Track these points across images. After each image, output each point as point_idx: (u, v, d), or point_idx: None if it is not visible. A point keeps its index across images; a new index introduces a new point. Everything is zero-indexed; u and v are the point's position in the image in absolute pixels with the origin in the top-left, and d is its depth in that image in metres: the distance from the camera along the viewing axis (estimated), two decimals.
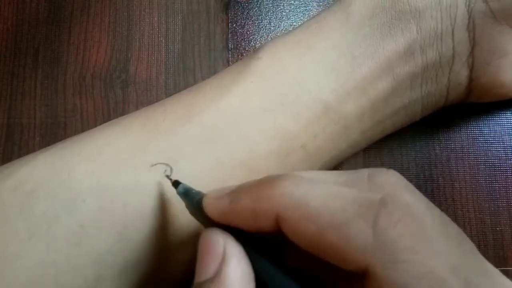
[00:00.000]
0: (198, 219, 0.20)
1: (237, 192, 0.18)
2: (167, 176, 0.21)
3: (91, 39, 0.31)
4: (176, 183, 0.20)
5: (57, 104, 0.30)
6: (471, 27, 0.24)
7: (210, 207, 0.18)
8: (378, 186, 0.17)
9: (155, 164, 0.22)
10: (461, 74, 0.24)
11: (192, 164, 0.22)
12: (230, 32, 0.31)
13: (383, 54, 0.23)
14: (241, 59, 0.30)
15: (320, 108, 0.23)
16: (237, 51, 0.31)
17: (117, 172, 0.22)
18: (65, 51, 0.31)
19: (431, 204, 0.17)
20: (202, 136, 0.23)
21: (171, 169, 0.22)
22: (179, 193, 0.20)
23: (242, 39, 0.31)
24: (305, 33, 0.24)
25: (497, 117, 0.29)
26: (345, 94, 0.23)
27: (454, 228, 0.16)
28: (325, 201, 0.16)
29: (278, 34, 0.31)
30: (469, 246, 0.16)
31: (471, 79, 0.25)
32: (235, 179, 0.22)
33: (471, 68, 0.24)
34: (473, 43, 0.24)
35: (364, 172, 0.17)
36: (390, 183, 0.17)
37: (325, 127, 0.23)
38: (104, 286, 0.21)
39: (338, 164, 0.28)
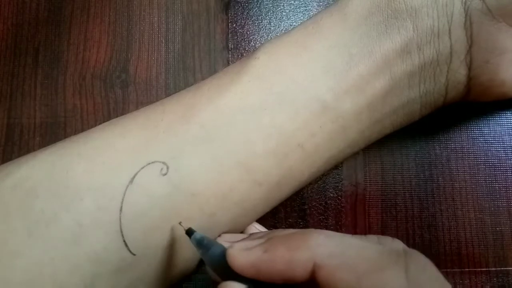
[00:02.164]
0: (215, 270, 0.20)
1: (270, 242, 0.19)
2: (180, 223, 0.21)
3: (91, 39, 0.31)
4: (189, 232, 0.21)
5: (57, 104, 0.30)
6: (468, 25, 0.24)
7: (238, 259, 0.19)
8: (393, 243, 0.20)
9: (152, 163, 0.22)
10: (460, 72, 0.24)
11: (190, 164, 0.22)
12: (230, 32, 0.31)
13: (380, 52, 0.23)
14: (241, 59, 0.30)
15: (318, 107, 0.23)
16: (237, 51, 0.31)
17: (115, 172, 0.22)
18: (65, 51, 0.31)
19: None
20: (200, 136, 0.23)
21: (168, 167, 0.22)
22: (194, 242, 0.20)
23: (242, 39, 0.31)
24: (302, 33, 0.25)
25: (497, 117, 0.29)
26: (342, 93, 0.23)
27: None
28: (359, 251, 0.18)
29: (278, 34, 0.31)
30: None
31: (469, 78, 0.25)
32: (232, 179, 0.23)
33: (470, 67, 0.24)
34: (470, 41, 0.24)
35: (373, 237, 0.20)
36: (399, 243, 0.20)
37: (322, 126, 0.23)
38: (101, 284, 0.21)
39: (338, 165, 0.28)
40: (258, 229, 0.25)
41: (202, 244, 0.20)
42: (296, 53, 0.24)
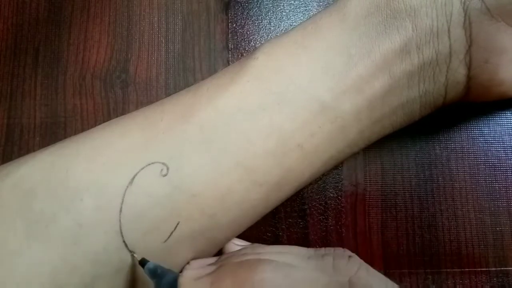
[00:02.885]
0: None
1: (218, 275, 0.19)
2: (131, 253, 0.21)
3: (91, 39, 0.31)
4: (142, 262, 0.21)
5: (57, 104, 0.30)
6: (467, 24, 0.24)
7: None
8: (343, 270, 0.20)
9: (152, 163, 0.22)
10: (459, 72, 0.24)
11: (189, 164, 0.22)
12: (230, 32, 0.31)
13: (379, 52, 0.23)
14: (240, 59, 0.30)
15: (317, 107, 0.23)
16: (237, 51, 0.31)
17: (114, 172, 0.22)
18: (65, 51, 0.31)
19: (389, 281, 0.21)
20: (199, 136, 0.23)
21: (168, 168, 0.22)
22: (147, 272, 0.20)
23: (242, 39, 0.31)
24: (301, 34, 0.25)
25: (497, 117, 0.29)
26: (341, 92, 0.23)
27: None
28: (306, 275, 0.19)
29: (278, 34, 0.31)
30: None
31: (469, 78, 0.25)
32: (232, 179, 0.23)
33: (469, 66, 0.24)
34: (470, 41, 0.24)
35: (329, 259, 0.21)
36: (353, 268, 0.20)
37: (321, 126, 0.23)
38: (101, 284, 0.21)
39: (338, 165, 0.28)
40: (239, 245, 0.25)
41: (156, 273, 0.20)
42: (295, 53, 0.24)
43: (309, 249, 0.23)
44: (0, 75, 0.30)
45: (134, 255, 0.21)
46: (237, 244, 0.25)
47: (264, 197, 0.24)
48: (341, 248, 0.22)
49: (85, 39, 0.31)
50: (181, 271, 0.21)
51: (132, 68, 0.31)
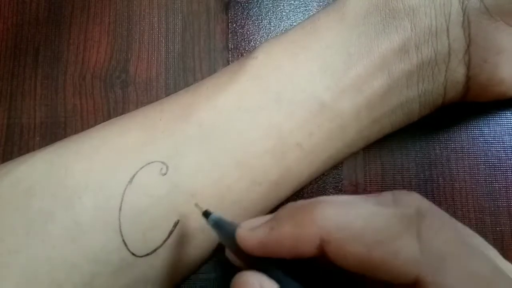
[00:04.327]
0: (232, 251, 0.20)
1: (276, 219, 0.18)
2: (197, 205, 0.21)
3: (91, 39, 0.31)
4: (206, 213, 0.20)
5: (57, 104, 0.30)
6: (466, 24, 0.24)
7: (246, 239, 0.19)
8: (406, 203, 0.18)
9: (151, 163, 0.22)
10: (458, 72, 0.24)
11: (189, 163, 0.22)
12: (230, 32, 0.31)
13: (378, 52, 0.23)
14: (239, 59, 0.30)
15: (315, 106, 0.23)
16: (237, 51, 0.31)
17: (113, 171, 0.22)
18: (65, 51, 0.31)
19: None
20: (198, 135, 0.23)
21: (167, 167, 0.22)
22: (211, 224, 0.20)
23: (242, 39, 0.31)
24: (300, 33, 0.25)
25: (497, 117, 0.29)
26: (340, 92, 0.23)
27: (473, 231, 0.18)
28: (368, 221, 0.17)
29: (278, 34, 0.31)
30: (493, 251, 0.18)
31: (468, 77, 0.25)
32: (230, 179, 0.23)
33: (468, 66, 0.24)
34: (468, 40, 0.24)
35: (388, 195, 0.18)
36: (416, 199, 0.18)
37: (320, 125, 0.23)
38: (100, 283, 0.21)
39: (337, 165, 0.28)
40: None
41: (218, 225, 0.20)
42: (294, 52, 0.24)
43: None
44: (0, 75, 0.30)
45: (198, 204, 0.20)
46: None
47: (264, 197, 0.24)
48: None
49: (85, 39, 0.31)
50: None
51: (132, 68, 0.31)
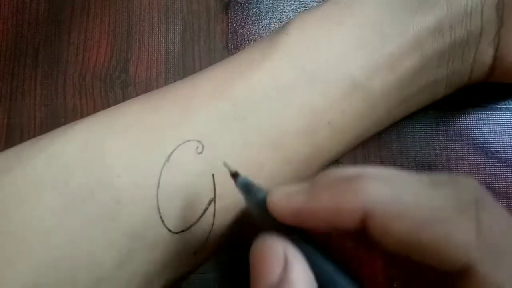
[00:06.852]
0: (258, 217, 0.18)
1: (315, 188, 0.17)
2: (225, 164, 0.19)
3: (91, 39, 0.31)
4: (235, 174, 0.19)
5: (57, 104, 0.30)
6: (501, 5, 0.24)
7: (279, 205, 0.17)
8: (463, 185, 0.16)
9: (188, 141, 0.22)
10: (487, 53, 0.24)
11: (223, 142, 0.22)
12: (230, 32, 0.31)
13: (413, 31, 0.23)
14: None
15: (348, 85, 0.23)
16: (237, 51, 0.31)
17: (150, 149, 0.22)
18: (65, 51, 0.31)
19: None
20: (232, 113, 0.22)
21: (203, 146, 0.22)
22: (239, 186, 0.19)
23: (242, 39, 0.31)
24: (334, 9, 0.24)
25: (497, 117, 0.29)
26: (373, 71, 0.23)
27: None
28: (419, 198, 0.15)
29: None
30: None
31: (495, 58, 0.25)
32: (263, 156, 0.22)
33: (497, 48, 0.24)
34: (500, 22, 0.24)
35: (443, 175, 0.17)
36: (474, 183, 0.16)
37: (352, 104, 0.23)
38: (138, 258, 0.21)
39: (337, 164, 0.28)
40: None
41: (247, 188, 0.18)
42: (328, 29, 0.23)
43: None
44: (0, 75, 0.30)
45: (227, 163, 0.19)
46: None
47: (293, 174, 0.23)
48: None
49: (85, 39, 0.31)
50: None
51: (132, 68, 0.31)
